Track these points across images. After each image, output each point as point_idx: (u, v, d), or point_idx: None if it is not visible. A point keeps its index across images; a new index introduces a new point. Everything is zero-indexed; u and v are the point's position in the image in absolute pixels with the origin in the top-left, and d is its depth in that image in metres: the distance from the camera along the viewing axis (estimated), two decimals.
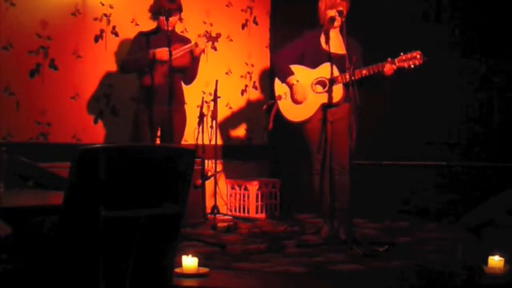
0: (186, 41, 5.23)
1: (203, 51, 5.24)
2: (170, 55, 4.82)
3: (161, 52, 4.95)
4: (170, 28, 5.05)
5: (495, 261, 3.72)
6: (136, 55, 5.12)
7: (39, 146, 5.28)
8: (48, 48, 5.41)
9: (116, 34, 5.82)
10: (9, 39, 5.19)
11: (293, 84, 4.88)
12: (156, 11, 5.14)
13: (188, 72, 5.26)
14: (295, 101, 4.88)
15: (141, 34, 5.24)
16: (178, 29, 5.57)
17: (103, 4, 5.77)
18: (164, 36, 4.93)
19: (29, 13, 5.29)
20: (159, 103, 5.01)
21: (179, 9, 5.16)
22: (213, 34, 5.40)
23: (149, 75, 5.02)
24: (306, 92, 4.86)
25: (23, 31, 5.26)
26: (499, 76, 6.00)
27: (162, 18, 5.03)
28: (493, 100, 6.03)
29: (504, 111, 5.97)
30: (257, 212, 6.42)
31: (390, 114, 6.05)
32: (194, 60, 5.21)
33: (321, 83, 4.84)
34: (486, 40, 6.00)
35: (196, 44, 5.11)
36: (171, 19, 5.02)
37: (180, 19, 5.39)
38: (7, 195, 2.80)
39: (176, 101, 5.12)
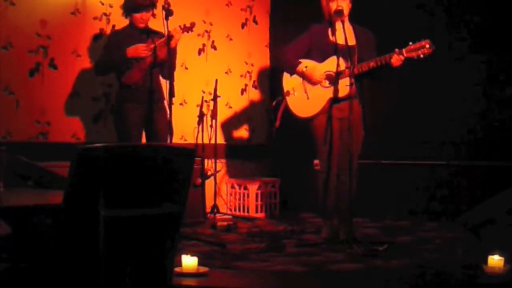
0: (161, 35, 5.15)
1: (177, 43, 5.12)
2: (154, 51, 4.85)
3: (133, 50, 4.97)
4: (143, 25, 5.09)
5: (495, 260, 3.72)
6: (109, 56, 5.09)
7: (39, 145, 5.28)
8: (48, 47, 5.41)
9: None
10: (8, 39, 5.19)
11: (303, 71, 4.77)
12: (129, 8, 5.11)
13: (166, 66, 5.11)
14: (314, 83, 4.75)
15: (114, 34, 5.26)
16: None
17: (102, 4, 5.77)
18: (137, 33, 5.06)
19: (28, 12, 5.29)
20: (142, 102, 5.01)
21: (153, 5, 5.14)
22: (188, 25, 5.34)
23: (129, 74, 5.03)
24: (321, 74, 4.74)
25: (22, 31, 5.26)
26: (501, 74, 5.99)
27: (136, 15, 5.05)
28: (494, 99, 6.02)
29: (505, 110, 5.97)
30: (256, 212, 6.42)
31: (390, 113, 6.04)
32: (171, 54, 5.09)
33: (328, 77, 4.76)
34: (488, 38, 6.00)
35: (170, 36, 4.93)
36: (144, 15, 5.04)
37: (153, 15, 5.32)
38: (7, 194, 2.80)
39: (158, 98, 5.09)
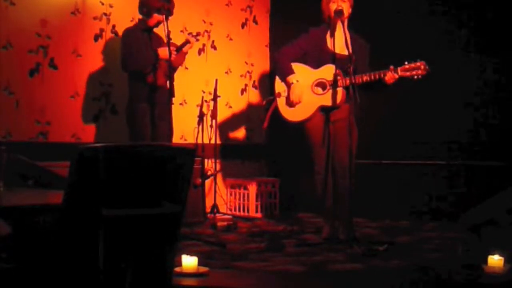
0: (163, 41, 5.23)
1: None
2: (170, 54, 4.86)
3: (164, 51, 4.97)
4: (155, 27, 5.14)
5: (495, 260, 3.72)
6: (142, 53, 5.10)
7: (39, 145, 5.28)
8: (48, 47, 5.41)
9: (116, 33, 5.82)
10: (9, 38, 5.19)
11: (292, 83, 4.76)
12: (153, 9, 5.11)
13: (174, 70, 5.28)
14: (290, 102, 4.77)
15: (131, 31, 5.24)
16: (177, 27, 5.58)
17: (102, 3, 5.77)
18: (148, 34, 5.14)
19: (29, 12, 5.29)
20: (160, 102, 5.04)
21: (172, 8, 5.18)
22: (194, 33, 5.37)
23: (153, 74, 5.04)
24: (303, 93, 4.74)
25: (23, 30, 5.26)
26: (500, 75, 5.99)
27: (156, 15, 5.08)
28: (494, 99, 6.02)
29: (505, 110, 5.97)
30: (256, 212, 6.42)
31: (390, 113, 6.04)
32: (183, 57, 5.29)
33: (321, 84, 4.76)
34: (488, 38, 6.00)
35: (188, 41, 5.17)
36: (160, 17, 5.05)
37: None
38: (7, 194, 2.80)
39: (166, 99, 5.10)
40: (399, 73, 4.61)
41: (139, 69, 5.11)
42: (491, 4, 5.96)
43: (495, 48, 5.97)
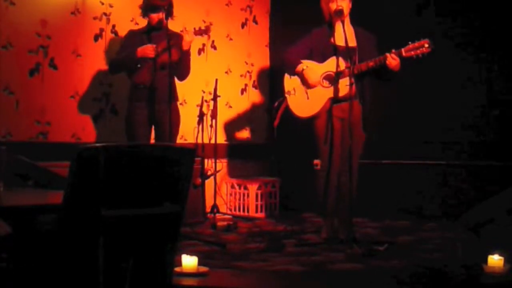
0: (178, 37, 5.17)
1: (190, 45, 5.14)
2: (169, 52, 4.85)
3: (142, 50, 4.98)
4: (155, 26, 5.10)
5: (495, 260, 3.72)
6: (122, 55, 5.14)
7: (39, 145, 5.28)
8: (48, 47, 5.41)
9: (116, 33, 5.82)
10: (9, 38, 5.18)
11: (302, 70, 4.78)
12: (148, 9, 5.11)
13: (180, 67, 5.19)
14: (309, 86, 4.76)
15: (132, 33, 5.25)
16: (177, 28, 5.56)
17: (102, 3, 5.77)
18: (156, 34, 5.08)
19: (28, 12, 5.29)
20: (159, 102, 5.02)
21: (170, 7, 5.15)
22: (202, 27, 5.30)
23: (139, 74, 5.05)
24: (317, 76, 4.75)
25: (23, 30, 5.26)
26: (502, 74, 5.99)
27: (153, 15, 5.06)
28: (494, 99, 6.02)
29: (505, 109, 5.97)
30: (256, 211, 6.42)
31: (390, 113, 6.04)
32: (184, 55, 5.15)
33: (328, 77, 4.77)
34: (489, 37, 5.99)
35: (182, 39, 5.07)
36: (157, 15, 5.03)
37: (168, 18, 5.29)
38: (7, 194, 2.80)
39: (169, 98, 5.08)
40: (404, 53, 4.59)
41: (121, 70, 5.19)
42: (496, 2, 5.94)
43: (497, 46, 5.96)
